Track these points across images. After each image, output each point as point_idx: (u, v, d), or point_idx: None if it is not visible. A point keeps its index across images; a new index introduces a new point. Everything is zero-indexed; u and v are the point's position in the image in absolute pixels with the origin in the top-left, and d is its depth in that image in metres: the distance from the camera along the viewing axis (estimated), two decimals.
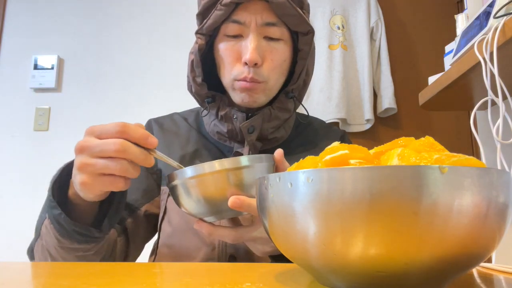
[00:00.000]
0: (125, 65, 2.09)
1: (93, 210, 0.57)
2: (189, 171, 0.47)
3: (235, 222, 0.55)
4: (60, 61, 2.14)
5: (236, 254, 0.66)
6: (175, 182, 0.48)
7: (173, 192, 0.50)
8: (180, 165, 0.50)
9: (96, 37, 2.14)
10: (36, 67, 2.11)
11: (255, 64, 0.67)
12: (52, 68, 2.10)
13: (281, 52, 0.70)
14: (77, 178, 0.49)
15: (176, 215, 0.70)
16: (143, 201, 0.73)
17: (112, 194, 0.56)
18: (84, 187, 0.49)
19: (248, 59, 0.66)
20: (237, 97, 0.71)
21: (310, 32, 0.71)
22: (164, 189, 0.74)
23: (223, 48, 0.70)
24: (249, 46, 0.66)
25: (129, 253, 0.72)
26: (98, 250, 0.59)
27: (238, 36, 0.69)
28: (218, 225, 0.51)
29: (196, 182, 0.46)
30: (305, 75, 0.75)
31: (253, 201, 0.46)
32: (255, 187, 0.43)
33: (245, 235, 0.51)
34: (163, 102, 2.00)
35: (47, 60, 2.11)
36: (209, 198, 0.47)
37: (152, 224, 0.75)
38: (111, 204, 0.57)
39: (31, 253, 0.63)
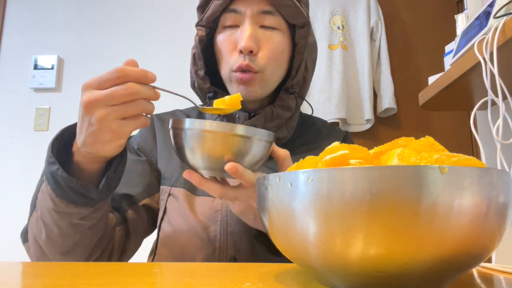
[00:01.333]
0: None
1: (97, 176, 0.57)
2: (196, 123, 0.49)
3: (223, 180, 0.57)
4: (60, 61, 2.14)
5: (237, 256, 0.66)
6: (180, 128, 0.50)
7: (175, 137, 0.52)
8: (186, 97, 0.52)
9: (96, 37, 2.14)
10: (36, 67, 2.11)
11: (251, 52, 0.67)
12: (52, 68, 2.10)
13: (277, 41, 0.70)
14: (103, 132, 0.49)
15: (176, 215, 0.70)
16: (145, 195, 0.74)
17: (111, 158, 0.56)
18: (115, 136, 0.49)
19: (243, 46, 0.66)
20: (233, 91, 0.71)
21: (306, 24, 0.71)
22: (164, 188, 0.73)
23: (221, 39, 0.71)
24: (244, 34, 0.67)
25: (127, 247, 0.72)
26: (94, 224, 0.59)
27: (235, 27, 0.70)
28: (208, 179, 0.53)
29: (200, 135, 0.49)
30: (304, 71, 0.74)
31: (247, 172, 0.50)
32: (250, 156, 0.51)
33: (229, 194, 0.54)
34: (163, 102, 2.00)
35: (47, 60, 2.11)
36: (208, 154, 0.50)
37: (151, 218, 0.75)
38: (110, 165, 0.56)
39: (24, 235, 0.63)
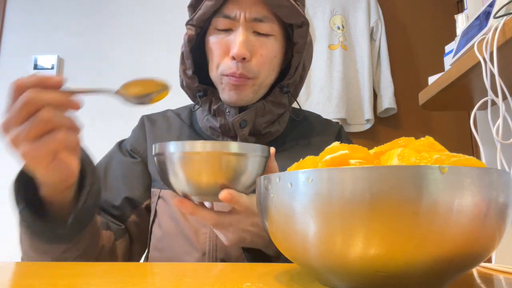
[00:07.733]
0: (125, 65, 2.09)
1: (69, 207, 0.52)
2: (181, 145, 0.45)
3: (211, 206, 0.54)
4: (60, 61, 2.14)
5: (227, 259, 0.65)
6: (164, 154, 0.46)
7: (160, 164, 0.48)
8: (102, 89, 0.47)
9: (96, 37, 2.14)
10: (36, 67, 2.11)
11: (244, 59, 0.66)
12: (52, 68, 2.10)
13: (270, 48, 0.69)
14: (25, 158, 0.44)
15: (166, 219, 0.70)
16: (146, 196, 0.73)
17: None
18: (36, 162, 0.44)
19: (236, 53, 0.66)
20: (224, 95, 0.70)
21: (305, 24, 0.70)
22: (154, 191, 0.73)
23: (213, 41, 0.70)
24: (237, 40, 0.66)
25: (134, 251, 0.72)
26: (81, 253, 0.55)
27: (228, 30, 0.69)
28: (201, 207, 0.50)
29: (187, 159, 0.45)
30: (301, 70, 0.74)
31: (242, 197, 0.47)
32: (244, 176, 0.46)
33: (225, 221, 0.51)
34: (163, 102, 2.00)
35: (47, 60, 2.11)
36: (196, 178, 0.46)
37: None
38: (78, 201, 0.52)
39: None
